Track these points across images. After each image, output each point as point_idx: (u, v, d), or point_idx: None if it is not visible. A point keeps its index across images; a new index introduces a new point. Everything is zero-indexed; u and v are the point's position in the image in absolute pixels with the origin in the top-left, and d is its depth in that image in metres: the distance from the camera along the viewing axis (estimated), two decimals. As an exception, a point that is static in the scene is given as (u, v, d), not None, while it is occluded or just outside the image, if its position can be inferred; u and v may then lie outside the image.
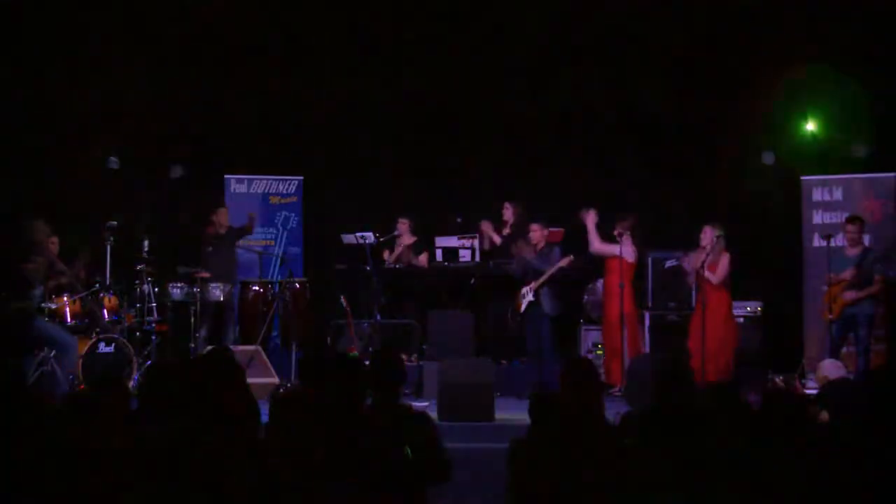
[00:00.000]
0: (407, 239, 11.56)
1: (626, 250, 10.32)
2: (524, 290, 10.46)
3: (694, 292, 10.50)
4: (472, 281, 11.47)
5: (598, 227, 10.53)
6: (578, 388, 4.85)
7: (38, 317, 9.54)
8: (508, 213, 11.41)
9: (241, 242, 11.67)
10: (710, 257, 9.72)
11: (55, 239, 10.85)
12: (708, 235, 9.82)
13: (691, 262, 9.96)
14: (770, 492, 3.83)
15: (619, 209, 10.75)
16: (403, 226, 11.50)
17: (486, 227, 11.52)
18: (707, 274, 9.70)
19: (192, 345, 10.59)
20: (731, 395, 4.58)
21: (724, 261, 9.75)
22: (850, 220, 10.26)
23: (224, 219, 11.38)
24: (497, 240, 11.40)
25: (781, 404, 4.10)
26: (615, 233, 10.29)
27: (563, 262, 10.32)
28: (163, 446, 3.95)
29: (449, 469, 4.95)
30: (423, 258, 11.51)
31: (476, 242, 11.61)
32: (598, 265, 10.89)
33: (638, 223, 10.47)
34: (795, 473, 3.50)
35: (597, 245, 10.52)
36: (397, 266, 11.48)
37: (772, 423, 3.95)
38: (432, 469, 4.78)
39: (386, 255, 11.57)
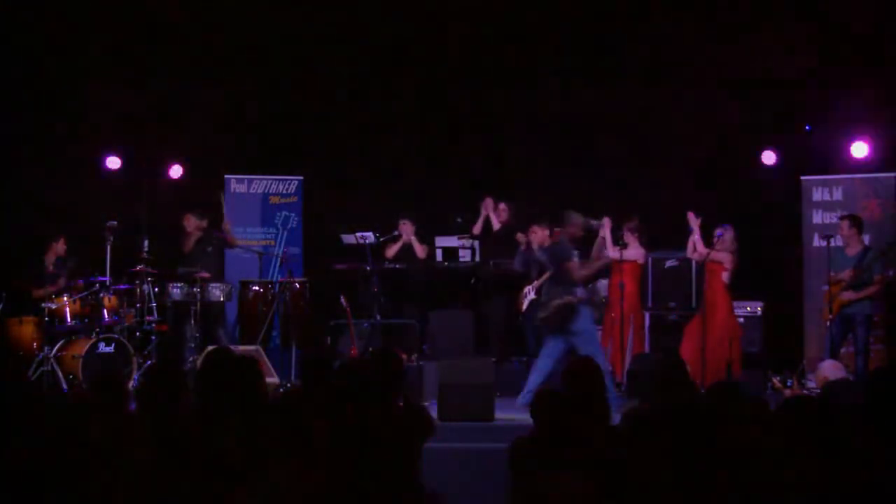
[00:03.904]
0: (408, 239, 11.52)
1: (632, 252, 10.34)
2: (526, 289, 10.44)
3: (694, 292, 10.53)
4: (473, 281, 11.46)
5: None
6: (582, 387, 4.85)
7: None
8: (504, 214, 11.36)
9: (241, 243, 11.70)
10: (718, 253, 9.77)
11: (63, 240, 10.87)
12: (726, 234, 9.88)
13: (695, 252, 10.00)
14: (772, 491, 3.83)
15: (620, 209, 10.76)
16: (405, 227, 11.46)
17: (489, 205, 11.44)
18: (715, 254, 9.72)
19: (192, 344, 10.60)
20: (734, 395, 4.58)
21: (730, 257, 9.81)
22: (840, 218, 10.29)
23: (190, 223, 11.31)
24: (497, 224, 11.34)
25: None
26: (620, 234, 10.32)
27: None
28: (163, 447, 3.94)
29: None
30: (419, 249, 11.46)
31: (474, 238, 11.60)
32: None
33: (641, 224, 10.48)
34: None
35: (612, 252, 10.46)
36: (397, 266, 11.47)
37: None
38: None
39: (388, 252, 11.53)
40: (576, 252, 9.48)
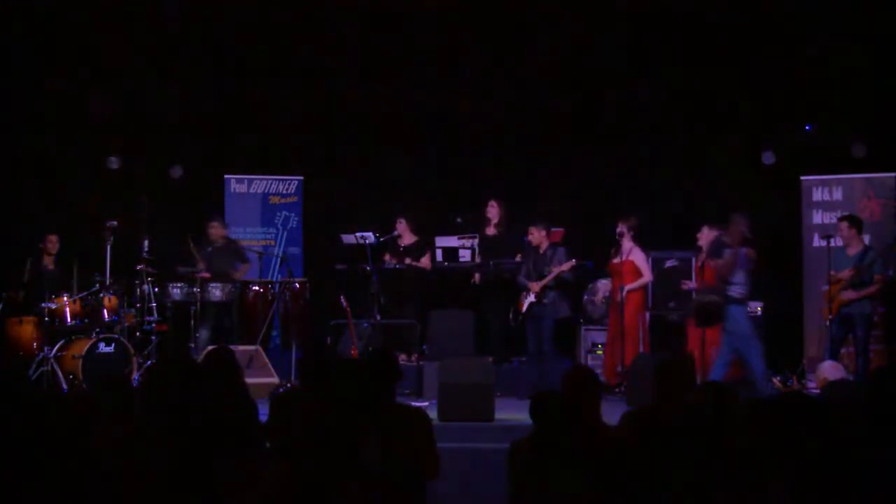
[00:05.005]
0: (407, 239, 11.53)
1: (629, 251, 10.35)
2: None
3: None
4: (473, 281, 11.46)
5: (601, 228, 10.57)
6: (580, 393, 4.84)
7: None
8: (494, 210, 11.34)
9: (241, 242, 11.72)
10: (709, 258, 9.72)
11: (54, 238, 10.91)
12: (705, 235, 9.85)
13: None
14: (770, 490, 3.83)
15: (619, 209, 10.75)
16: (402, 225, 11.47)
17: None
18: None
19: (192, 345, 10.60)
20: (731, 395, 4.58)
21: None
22: (839, 219, 10.30)
23: (217, 233, 11.34)
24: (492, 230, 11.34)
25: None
26: (616, 232, 10.31)
27: (564, 267, 10.25)
28: (163, 448, 3.94)
29: (438, 467, 5.01)
30: (425, 260, 11.47)
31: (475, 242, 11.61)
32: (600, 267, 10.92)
33: (638, 223, 10.48)
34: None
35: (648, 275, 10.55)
36: (397, 266, 11.46)
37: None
38: (425, 466, 4.81)
39: (387, 257, 11.55)
40: (728, 251, 9.46)
